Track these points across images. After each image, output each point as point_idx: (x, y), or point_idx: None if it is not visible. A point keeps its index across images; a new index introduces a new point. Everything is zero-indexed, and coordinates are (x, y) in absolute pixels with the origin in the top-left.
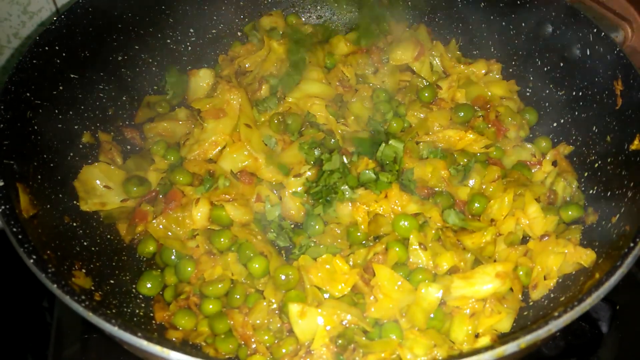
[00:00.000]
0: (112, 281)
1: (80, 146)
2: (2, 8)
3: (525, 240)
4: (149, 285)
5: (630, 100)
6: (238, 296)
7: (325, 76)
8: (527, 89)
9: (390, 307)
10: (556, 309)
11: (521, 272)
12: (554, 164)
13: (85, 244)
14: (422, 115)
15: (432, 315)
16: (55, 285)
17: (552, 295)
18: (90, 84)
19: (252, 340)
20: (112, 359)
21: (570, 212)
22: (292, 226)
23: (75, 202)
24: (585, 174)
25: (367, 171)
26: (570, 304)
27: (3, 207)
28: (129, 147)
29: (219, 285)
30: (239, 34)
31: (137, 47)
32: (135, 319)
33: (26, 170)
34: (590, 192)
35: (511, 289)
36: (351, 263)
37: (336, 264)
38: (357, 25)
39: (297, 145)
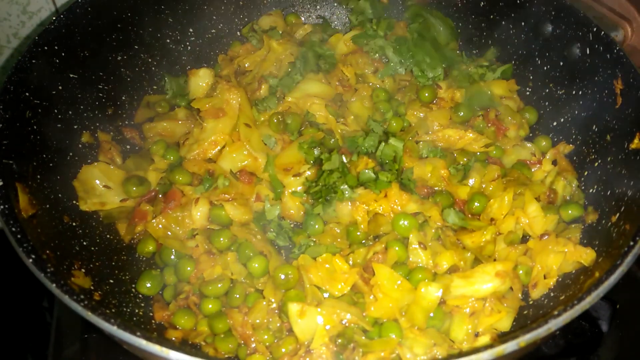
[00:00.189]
0: (111, 281)
1: (80, 146)
2: (1, 8)
3: (525, 239)
4: (148, 285)
5: (630, 99)
6: (237, 295)
7: (325, 76)
8: (527, 88)
9: (389, 306)
10: (556, 307)
11: (521, 271)
12: (554, 163)
13: (84, 243)
14: (421, 114)
15: (431, 315)
16: (54, 285)
17: (552, 294)
18: (89, 84)
19: (252, 339)
20: (112, 359)
21: (570, 211)
22: (292, 226)
23: (74, 201)
24: (585, 173)
25: (366, 170)
26: (569, 302)
27: (2, 206)
28: (128, 146)
29: (219, 285)
30: (238, 33)
31: (136, 46)
32: (134, 318)
33: (25, 170)
34: (590, 191)
35: (511, 288)
36: (351, 262)
37: (336, 263)
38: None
39: (297, 144)
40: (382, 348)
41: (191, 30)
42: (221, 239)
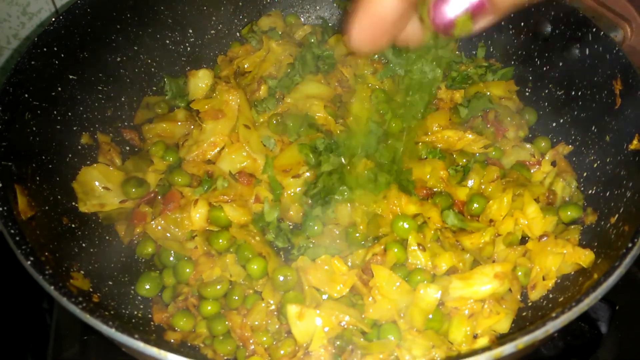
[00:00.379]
0: (110, 282)
1: (79, 147)
2: (1, 9)
3: (524, 240)
4: (147, 287)
5: (630, 99)
6: (236, 297)
7: (324, 77)
8: (526, 89)
9: (388, 308)
10: (554, 309)
11: (520, 273)
12: (553, 164)
13: (83, 245)
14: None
15: (430, 316)
16: (52, 287)
17: (550, 296)
18: (88, 85)
19: (251, 341)
20: None
21: (569, 212)
22: (291, 227)
23: (73, 203)
24: (584, 174)
25: (365, 172)
26: (568, 304)
27: (1, 208)
28: (127, 148)
29: (218, 287)
30: (237, 34)
31: (135, 47)
32: (133, 320)
33: (24, 171)
34: (589, 192)
35: (510, 290)
36: (349, 264)
37: (335, 264)
38: None
39: (296, 146)
40: (381, 350)
41: (190, 31)
42: (220, 241)
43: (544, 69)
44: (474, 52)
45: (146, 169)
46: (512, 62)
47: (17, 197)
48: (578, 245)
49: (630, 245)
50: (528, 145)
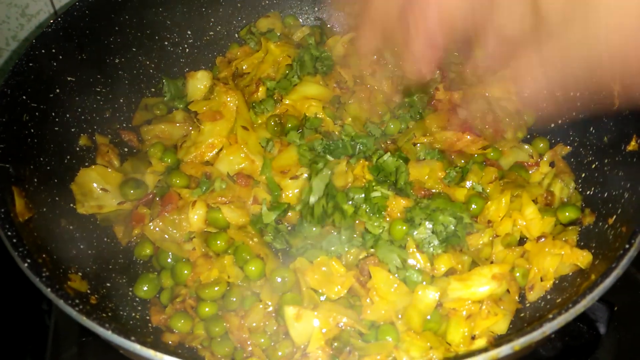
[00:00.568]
0: (108, 284)
1: (77, 149)
2: (0, 11)
3: (522, 241)
4: (145, 288)
5: (628, 101)
6: (234, 299)
7: (323, 78)
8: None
9: (386, 309)
10: (552, 310)
11: (518, 274)
12: (552, 165)
13: (81, 247)
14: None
15: (428, 317)
16: (49, 289)
17: (548, 297)
18: (87, 87)
19: (248, 343)
20: None
21: (567, 213)
22: (289, 228)
23: (72, 205)
24: (583, 175)
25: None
26: (565, 306)
27: None
28: (126, 149)
29: (215, 288)
30: (236, 35)
31: (134, 49)
32: (131, 322)
33: (22, 173)
34: (588, 193)
35: (508, 291)
36: (344, 262)
37: (332, 266)
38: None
39: (294, 147)
40: (379, 351)
41: (189, 32)
42: (218, 242)
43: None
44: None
45: (144, 170)
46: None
47: (14, 199)
48: (576, 246)
49: (627, 246)
50: (526, 146)
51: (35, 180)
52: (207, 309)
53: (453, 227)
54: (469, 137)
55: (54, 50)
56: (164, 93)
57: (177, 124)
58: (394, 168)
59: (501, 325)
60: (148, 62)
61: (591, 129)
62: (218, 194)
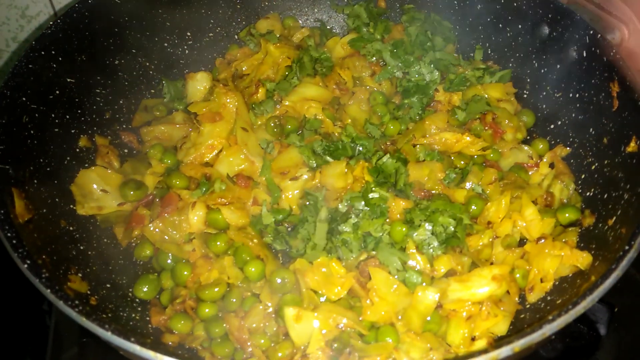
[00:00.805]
0: (108, 285)
1: (77, 150)
2: (0, 12)
3: (522, 242)
4: (145, 289)
5: (627, 102)
6: (234, 300)
7: (322, 79)
8: (524, 91)
9: (386, 310)
10: (552, 312)
11: (518, 275)
12: (551, 166)
13: (81, 248)
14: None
15: (428, 319)
16: (49, 290)
17: (548, 298)
18: (87, 88)
19: (248, 344)
20: None
21: (567, 215)
22: (289, 229)
23: (71, 206)
24: (582, 176)
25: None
26: (565, 307)
27: None
28: (126, 150)
29: (215, 289)
30: (236, 37)
31: (134, 50)
32: (131, 323)
33: (22, 174)
34: (587, 194)
35: (508, 292)
36: (343, 263)
37: (332, 267)
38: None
39: (294, 148)
40: (379, 352)
41: (189, 33)
42: (218, 243)
43: (542, 71)
44: (472, 55)
45: (144, 171)
46: (510, 65)
47: (14, 200)
48: (576, 248)
49: (627, 247)
50: (526, 148)
51: (35, 181)
52: (207, 310)
53: (453, 229)
54: (468, 138)
55: (53, 52)
56: (163, 94)
57: (177, 125)
58: (394, 169)
59: (501, 327)
60: (148, 64)
61: (591, 130)
62: (218, 195)
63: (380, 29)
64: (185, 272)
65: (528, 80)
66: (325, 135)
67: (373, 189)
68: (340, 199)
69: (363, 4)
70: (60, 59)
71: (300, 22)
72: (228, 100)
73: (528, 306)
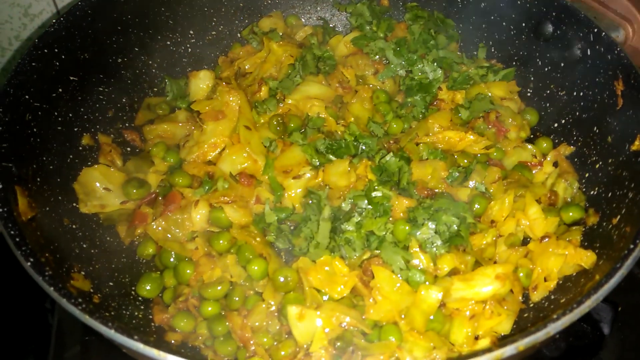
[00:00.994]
0: (111, 283)
1: (80, 148)
2: (3, 11)
3: (525, 241)
4: (148, 288)
5: (631, 100)
6: (237, 298)
7: (325, 77)
8: (528, 90)
9: (389, 309)
10: (556, 311)
11: (521, 274)
12: (555, 164)
13: (84, 246)
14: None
15: (431, 317)
16: (52, 288)
17: (552, 297)
18: (89, 86)
19: (251, 342)
20: None
21: (571, 213)
22: (292, 228)
23: (74, 204)
24: (586, 175)
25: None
26: (569, 306)
27: (1, 210)
28: (128, 149)
29: (218, 287)
30: (238, 35)
31: (136, 49)
32: (134, 321)
33: (25, 172)
34: (591, 193)
35: (511, 291)
36: (347, 262)
37: (335, 265)
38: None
39: (297, 147)
40: (382, 351)
41: (191, 32)
42: (221, 242)
43: (546, 69)
44: (475, 53)
45: (147, 170)
46: (514, 63)
47: (17, 198)
48: (580, 247)
49: (632, 246)
50: (530, 146)
51: (38, 179)
52: (209, 308)
53: (456, 227)
54: (471, 136)
55: (56, 50)
56: (166, 93)
57: (180, 124)
58: (397, 168)
59: (505, 326)
60: (150, 62)
61: (595, 128)
62: (221, 194)
63: (383, 27)
64: (188, 271)
65: (532, 78)
66: (328, 134)
67: (376, 187)
68: (343, 198)
69: (366, 2)
70: (63, 57)
71: (303, 20)
72: (231, 99)
73: (532, 305)
